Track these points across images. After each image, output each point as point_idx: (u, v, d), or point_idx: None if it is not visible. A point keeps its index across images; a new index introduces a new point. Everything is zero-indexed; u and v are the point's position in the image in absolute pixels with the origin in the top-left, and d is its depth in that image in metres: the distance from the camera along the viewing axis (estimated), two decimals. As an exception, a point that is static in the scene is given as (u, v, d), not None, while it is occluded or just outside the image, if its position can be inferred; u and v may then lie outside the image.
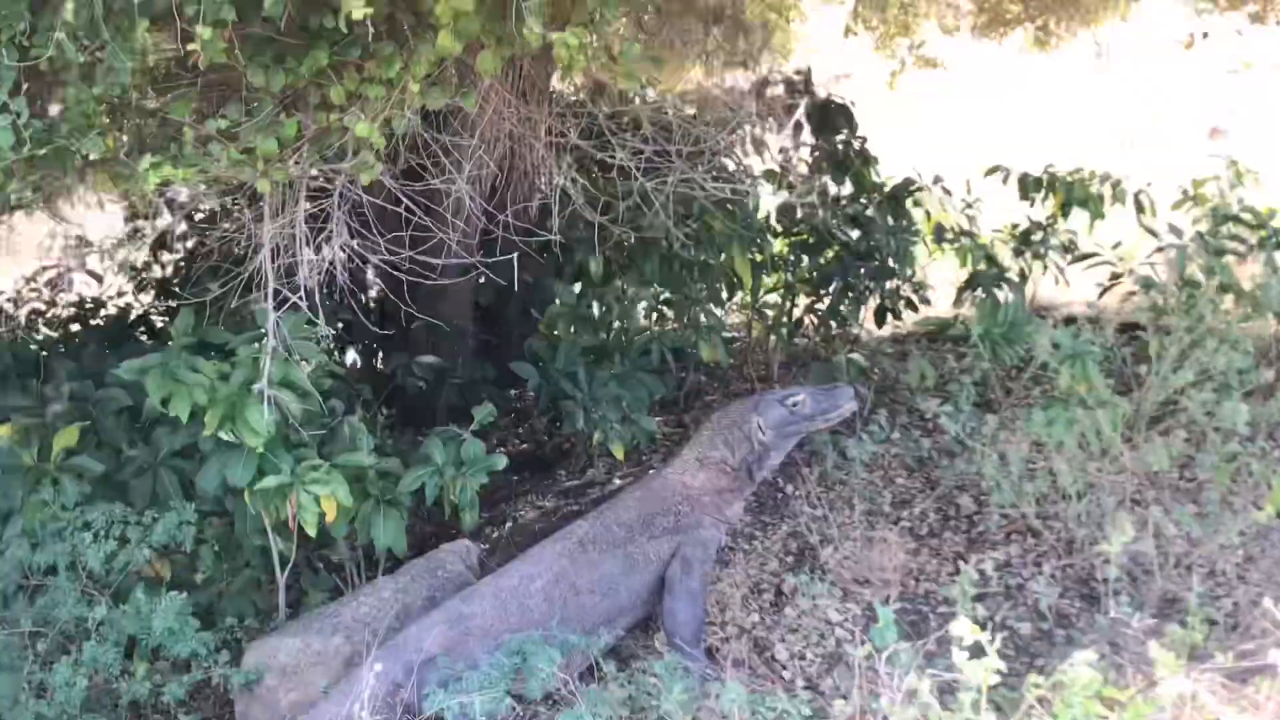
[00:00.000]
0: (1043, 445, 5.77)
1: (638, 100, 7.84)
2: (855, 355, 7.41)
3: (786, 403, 5.53)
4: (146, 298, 8.74)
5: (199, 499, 5.90)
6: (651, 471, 6.10)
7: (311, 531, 5.50)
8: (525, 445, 8.34)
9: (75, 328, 8.23)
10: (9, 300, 8.56)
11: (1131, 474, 5.60)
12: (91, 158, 4.26)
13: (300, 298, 5.42)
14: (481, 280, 8.21)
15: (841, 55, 11.95)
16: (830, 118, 8.32)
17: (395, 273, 8.39)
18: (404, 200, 6.02)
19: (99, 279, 8.68)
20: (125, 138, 4.38)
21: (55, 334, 8.26)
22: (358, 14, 3.95)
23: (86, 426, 6.04)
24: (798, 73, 8.50)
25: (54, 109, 4.30)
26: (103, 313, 8.39)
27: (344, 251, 7.76)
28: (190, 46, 4.07)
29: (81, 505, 5.74)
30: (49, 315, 8.51)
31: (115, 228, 8.94)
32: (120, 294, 8.77)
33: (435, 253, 8.20)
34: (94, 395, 6.20)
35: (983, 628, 5.17)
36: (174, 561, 5.99)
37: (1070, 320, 8.37)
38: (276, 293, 5.61)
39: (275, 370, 5.56)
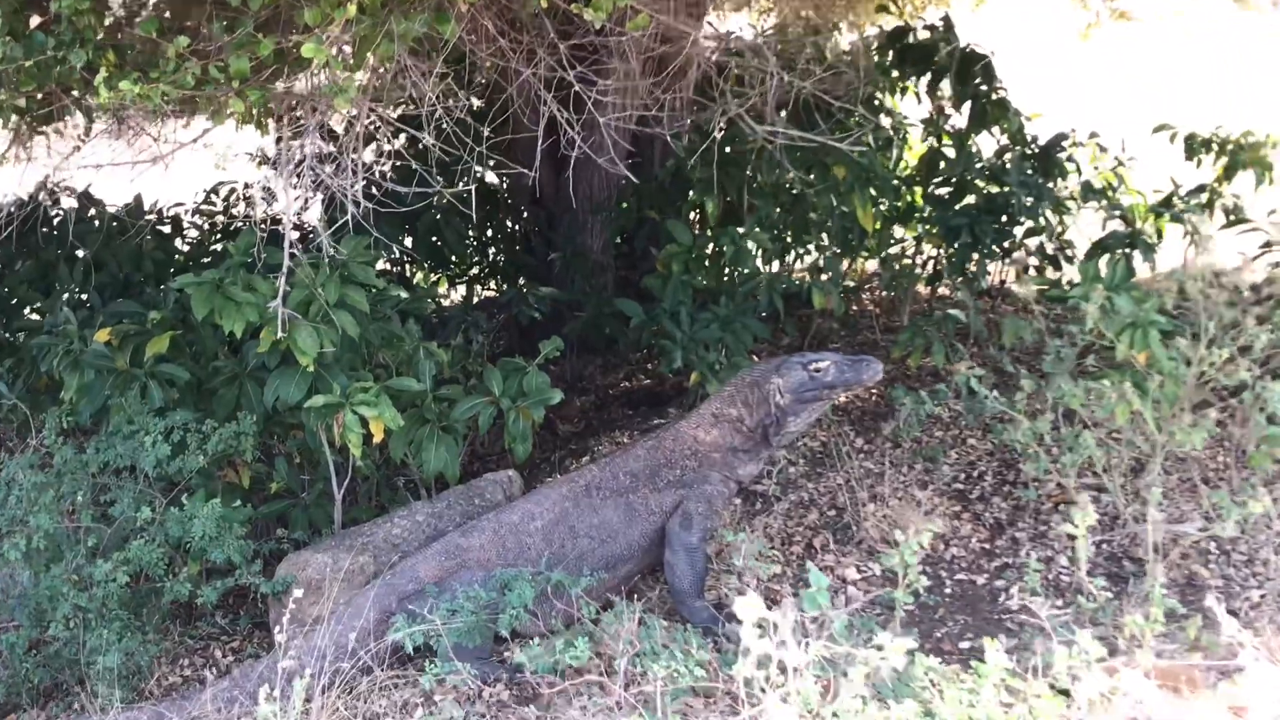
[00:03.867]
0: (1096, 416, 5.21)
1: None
2: (953, 311, 6.84)
3: (809, 367, 5.09)
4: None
5: (278, 413, 5.83)
6: (667, 424, 5.74)
7: (356, 451, 5.35)
8: (649, 381, 8.06)
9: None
10: (190, 210, 8.62)
11: (1181, 453, 5.02)
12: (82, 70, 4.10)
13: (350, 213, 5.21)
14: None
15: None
16: (969, 67, 7.70)
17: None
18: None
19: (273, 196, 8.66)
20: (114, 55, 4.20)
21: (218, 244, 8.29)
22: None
23: (182, 336, 6.02)
24: (941, 20, 7.88)
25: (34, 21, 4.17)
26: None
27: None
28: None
29: (166, 411, 5.70)
30: (231, 227, 8.54)
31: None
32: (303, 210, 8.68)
33: (578, 184, 8.03)
34: (198, 306, 6.16)
35: (993, 599, 4.84)
36: (255, 470, 5.96)
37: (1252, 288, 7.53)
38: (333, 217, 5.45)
39: (329, 291, 5.43)
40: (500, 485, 5.66)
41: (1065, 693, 3.37)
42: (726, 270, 7.32)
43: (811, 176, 7.43)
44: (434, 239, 8.01)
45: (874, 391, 6.67)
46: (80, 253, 7.53)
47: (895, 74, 8.07)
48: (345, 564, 5.16)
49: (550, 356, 5.93)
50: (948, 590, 4.96)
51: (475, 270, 8.76)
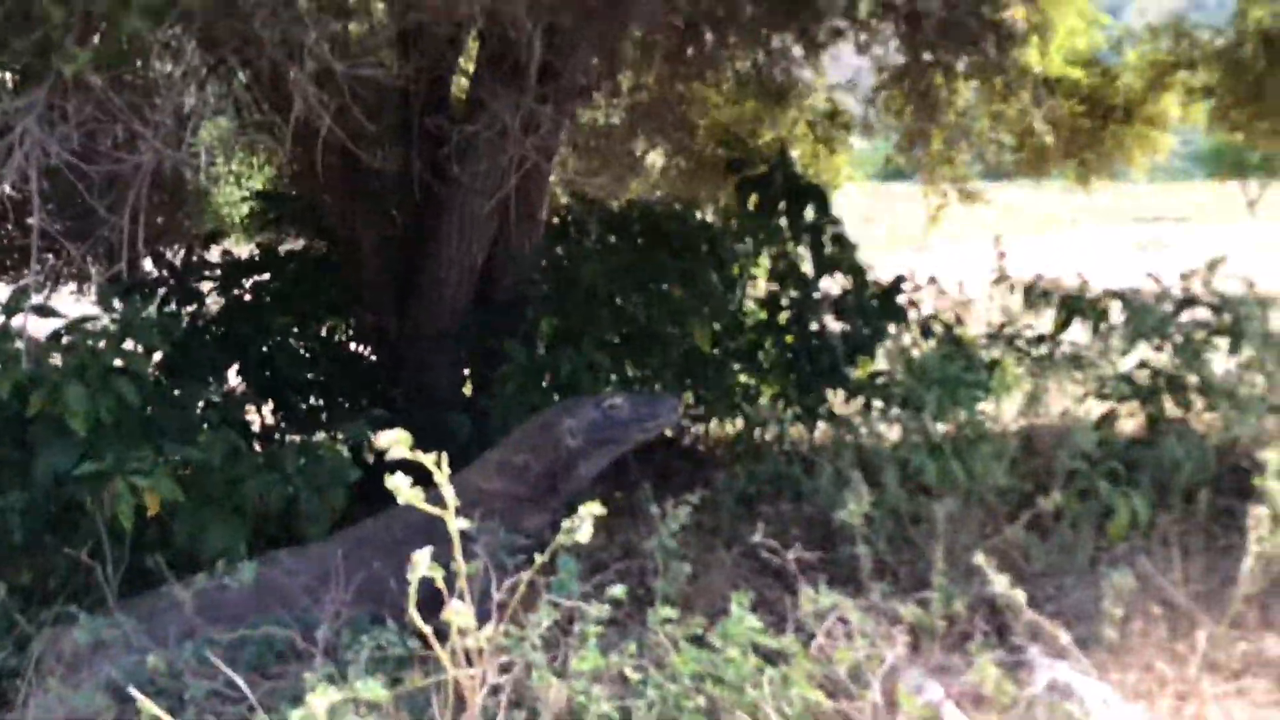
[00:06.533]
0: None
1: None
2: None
3: (601, 405, 4.62)
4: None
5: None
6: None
7: (126, 524, 4.75)
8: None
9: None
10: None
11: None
12: None
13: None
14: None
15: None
16: (801, 198, 7.39)
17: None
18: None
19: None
20: None
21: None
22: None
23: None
24: (779, 154, 7.60)
25: None
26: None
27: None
28: None
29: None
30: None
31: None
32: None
33: (423, 318, 7.61)
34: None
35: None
36: (33, 566, 5.33)
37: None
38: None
39: (108, 353, 4.89)
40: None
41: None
42: (563, 390, 6.85)
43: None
44: (266, 372, 7.40)
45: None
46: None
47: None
48: (104, 635, 4.51)
49: (355, 438, 5.42)
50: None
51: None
